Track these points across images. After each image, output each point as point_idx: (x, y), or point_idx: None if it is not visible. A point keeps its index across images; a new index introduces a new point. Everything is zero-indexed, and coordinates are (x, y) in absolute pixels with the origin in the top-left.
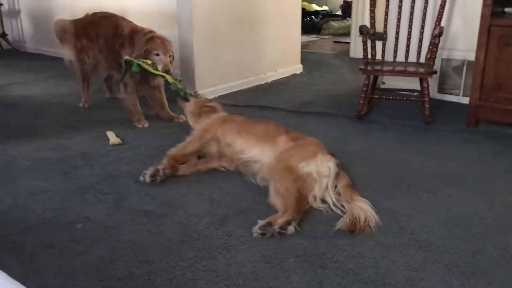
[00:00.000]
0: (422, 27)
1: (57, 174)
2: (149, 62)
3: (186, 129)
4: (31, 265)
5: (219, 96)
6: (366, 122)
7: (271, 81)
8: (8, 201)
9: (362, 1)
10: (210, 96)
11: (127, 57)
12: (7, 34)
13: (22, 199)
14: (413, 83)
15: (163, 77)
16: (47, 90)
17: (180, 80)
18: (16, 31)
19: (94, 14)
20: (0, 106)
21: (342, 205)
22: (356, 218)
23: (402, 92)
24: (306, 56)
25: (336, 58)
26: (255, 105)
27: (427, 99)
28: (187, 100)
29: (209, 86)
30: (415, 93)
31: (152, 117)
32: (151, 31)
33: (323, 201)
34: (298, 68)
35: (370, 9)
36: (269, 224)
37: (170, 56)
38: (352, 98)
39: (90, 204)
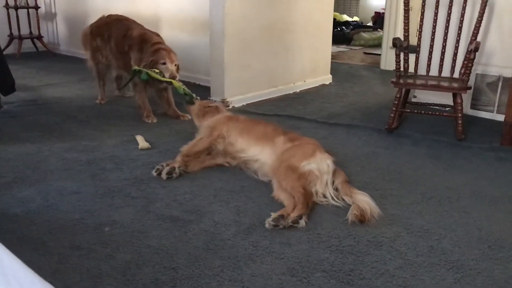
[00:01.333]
0: (457, 41)
1: (87, 176)
2: (157, 70)
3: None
4: (60, 265)
5: (247, 104)
6: (397, 136)
7: (300, 90)
8: (39, 201)
9: (395, 13)
10: (239, 104)
11: (135, 67)
12: (42, 36)
13: (52, 200)
14: (445, 98)
15: (170, 83)
16: (79, 92)
17: (182, 85)
18: (51, 33)
19: (109, 16)
20: (34, 107)
21: (342, 199)
22: (363, 209)
23: (434, 107)
24: (336, 67)
25: (366, 69)
26: (283, 114)
27: (460, 115)
28: (192, 103)
29: (237, 94)
30: (448, 108)
31: (160, 115)
32: (159, 42)
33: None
34: (327, 79)
35: (404, 22)
36: (282, 216)
37: (175, 65)
38: (382, 111)
39: (118, 208)
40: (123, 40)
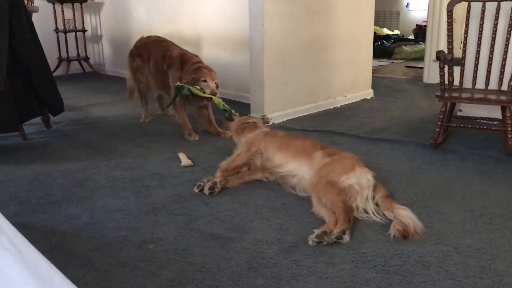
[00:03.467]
0: (505, 52)
1: (131, 193)
2: (198, 87)
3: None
4: (105, 282)
5: (287, 120)
6: (442, 151)
7: (340, 105)
8: (85, 218)
9: (438, 25)
10: (279, 120)
11: (178, 83)
12: (89, 58)
13: (97, 217)
14: (493, 111)
15: (211, 99)
16: (124, 111)
17: (223, 102)
18: (97, 55)
19: (148, 37)
20: (81, 126)
21: (383, 214)
22: (405, 224)
23: (481, 121)
24: (377, 81)
25: (409, 83)
26: (324, 130)
27: (510, 128)
28: (231, 119)
29: (278, 110)
30: (496, 122)
31: (201, 132)
32: (199, 61)
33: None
34: (368, 93)
35: (448, 34)
36: (325, 233)
37: (215, 83)
38: (426, 126)
39: (162, 225)
40: (162, 60)
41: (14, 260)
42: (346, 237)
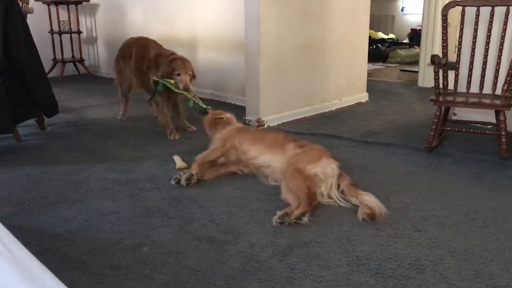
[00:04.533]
0: (499, 57)
1: (126, 196)
2: (173, 82)
3: None
4: (99, 285)
5: (282, 123)
6: (437, 155)
7: (336, 109)
8: (80, 220)
9: (432, 29)
10: (274, 123)
11: (154, 78)
12: (84, 60)
13: (92, 219)
14: (487, 115)
15: (184, 94)
16: (118, 114)
17: (195, 96)
18: (92, 57)
19: (132, 37)
20: (76, 128)
21: (348, 200)
22: (372, 207)
23: (476, 125)
24: (372, 85)
25: (403, 87)
26: (320, 133)
27: (503, 132)
28: (206, 114)
29: (273, 113)
30: (490, 126)
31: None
32: (173, 53)
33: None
34: (363, 97)
35: (443, 39)
36: (287, 214)
37: (189, 75)
38: (421, 129)
39: (157, 228)
40: (142, 60)
41: (6, 262)
42: (305, 219)
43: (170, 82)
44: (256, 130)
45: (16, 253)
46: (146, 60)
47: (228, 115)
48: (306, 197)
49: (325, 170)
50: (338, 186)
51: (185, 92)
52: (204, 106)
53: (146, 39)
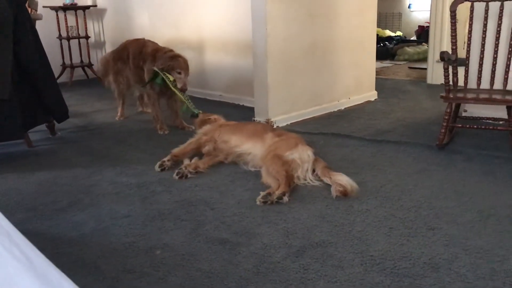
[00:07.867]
0: (509, 51)
1: (137, 199)
2: (171, 78)
3: None
4: None
5: (291, 123)
6: (448, 152)
7: (345, 108)
8: (92, 224)
9: (440, 26)
10: (283, 124)
11: (155, 68)
12: (92, 64)
13: (104, 223)
14: (498, 111)
15: (176, 93)
16: (127, 117)
17: (188, 99)
18: None
19: (128, 40)
20: (86, 133)
21: (321, 180)
22: (344, 185)
23: (487, 121)
24: (381, 83)
25: (412, 84)
26: (329, 132)
27: None
28: (196, 116)
29: (282, 114)
30: (501, 122)
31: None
32: (171, 50)
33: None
34: (372, 95)
35: (451, 35)
36: (269, 194)
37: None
38: (431, 127)
39: (169, 231)
40: (139, 56)
41: (24, 269)
42: (286, 198)
43: (169, 78)
44: (237, 123)
45: (34, 260)
46: (143, 55)
47: (216, 116)
48: (285, 179)
49: (302, 155)
50: (313, 170)
51: (180, 94)
52: (196, 110)
53: (143, 39)
